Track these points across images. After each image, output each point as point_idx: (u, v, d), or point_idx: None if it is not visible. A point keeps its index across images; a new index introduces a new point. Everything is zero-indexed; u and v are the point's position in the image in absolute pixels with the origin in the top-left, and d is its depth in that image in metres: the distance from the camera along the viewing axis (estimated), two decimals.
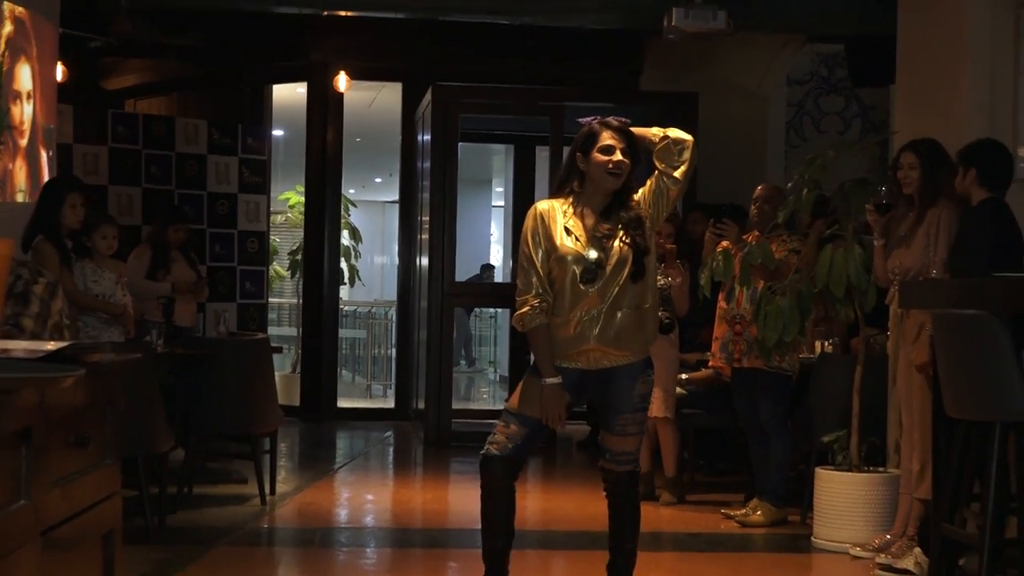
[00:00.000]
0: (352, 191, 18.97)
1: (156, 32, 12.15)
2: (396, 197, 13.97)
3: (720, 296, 7.59)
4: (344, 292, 16.51)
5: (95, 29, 11.92)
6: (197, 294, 9.39)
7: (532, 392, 4.77)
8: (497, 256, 21.75)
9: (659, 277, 8.01)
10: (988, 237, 5.68)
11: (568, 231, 4.72)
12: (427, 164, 11.72)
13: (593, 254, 4.68)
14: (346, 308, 17.32)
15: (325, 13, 11.08)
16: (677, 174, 4.76)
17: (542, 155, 13.05)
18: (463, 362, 20.62)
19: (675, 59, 11.87)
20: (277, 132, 14.42)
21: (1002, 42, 6.83)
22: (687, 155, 4.76)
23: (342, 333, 14.88)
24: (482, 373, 21.21)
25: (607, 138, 4.71)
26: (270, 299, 13.91)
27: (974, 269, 5.64)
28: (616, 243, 4.71)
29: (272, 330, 14.49)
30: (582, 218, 4.76)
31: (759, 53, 12.07)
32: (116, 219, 8.53)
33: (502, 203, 19.99)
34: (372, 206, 23.89)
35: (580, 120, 4.86)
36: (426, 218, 11.72)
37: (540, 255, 4.73)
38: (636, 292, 4.74)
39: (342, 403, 13.27)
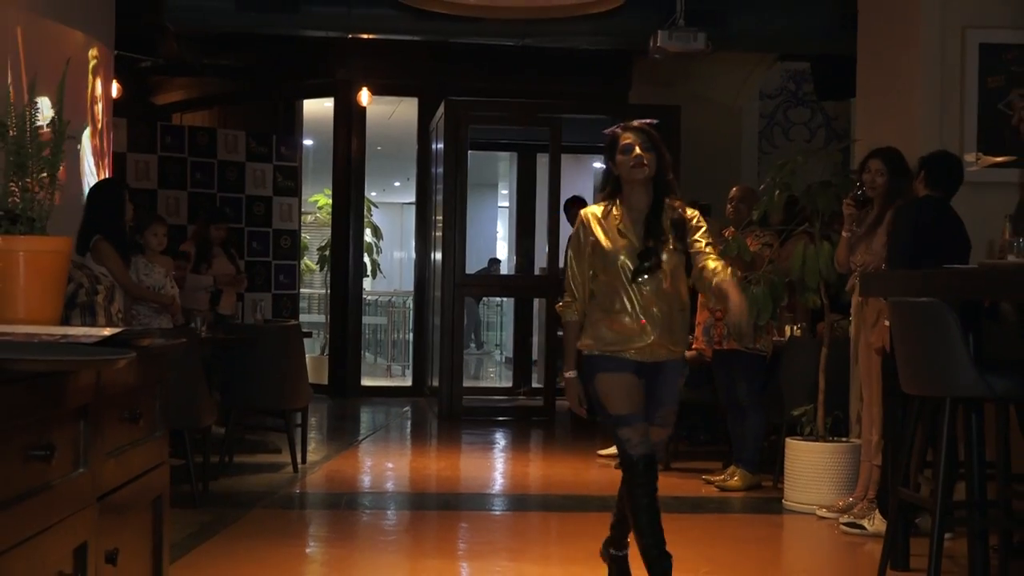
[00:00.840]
0: (374, 194, 18.95)
1: (199, 53, 12.13)
2: (413, 199, 13.95)
3: None
4: (367, 283, 16.49)
5: (146, 51, 11.90)
6: (236, 286, 9.40)
7: (612, 391, 4.46)
8: (503, 251, 21.72)
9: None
10: (912, 228, 5.67)
11: (619, 231, 4.44)
12: (440, 170, 11.70)
13: (640, 251, 4.40)
14: (369, 297, 17.31)
15: (350, 36, 11.07)
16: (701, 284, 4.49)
17: (542, 161, 13.02)
18: (472, 345, 20.61)
19: (660, 76, 11.84)
20: (307, 142, 14.39)
21: (951, 58, 6.80)
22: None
23: (365, 320, 14.86)
24: (489, 355, 21.19)
25: (626, 139, 4.46)
26: (301, 290, 13.90)
27: (898, 254, 5.65)
28: (667, 243, 4.43)
29: (303, 317, 14.49)
30: (630, 221, 4.46)
31: (735, 70, 12.04)
32: (167, 219, 8.53)
33: (507, 204, 19.95)
34: (391, 207, 23.87)
35: (605, 132, 4.62)
36: (439, 217, 11.70)
37: (582, 260, 4.49)
38: (681, 292, 4.49)
39: (365, 382, 13.26)
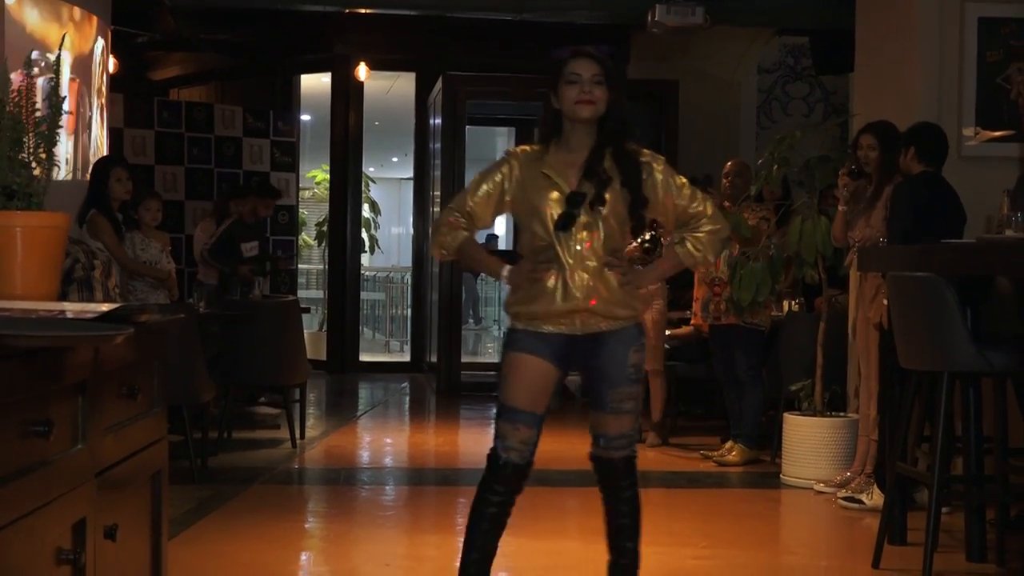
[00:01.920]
0: (371, 169, 18.91)
1: (197, 28, 12.10)
2: (411, 174, 13.93)
3: None
4: (365, 259, 16.48)
5: (143, 26, 11.89)
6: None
7: (517, 374, 3.71)
8: (500, 227, 21.71)
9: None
10: (913, 206, 5.68)
11: (545, 176, 3.67)
12: (438, 145, 11.68)
13: (573, 194, 3.63)
14: (367, 273, 17.31)
15: (347, 11, 11.04)
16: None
17: None
18: (471, 320, 20.62)
19: (658, 50, 11.81)
20: (304, 117, 14.36)
21: (949, 33, 6.78)
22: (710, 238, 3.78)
23: (363, 295, 14.86)
24: (487, 330, 21.20)
25: (574, 67, 3.68)
26: (299, 265, 13.89)
27: (897, 232, 5.66)
28: (608, 189, 3.64)
29: (301, 293, 14.48)
30: (564, 166, 3.69)
31: (733, 45, 12.01)
32: (161, 195, 8.53)
33: None
34: (389, 183, 23.83)
35: (552, 56, 3.82)
36: (437, 193, 11.69)
37: (482, 189, 3.78)
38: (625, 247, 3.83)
39: (364, 357, 13.27)
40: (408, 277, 15.04)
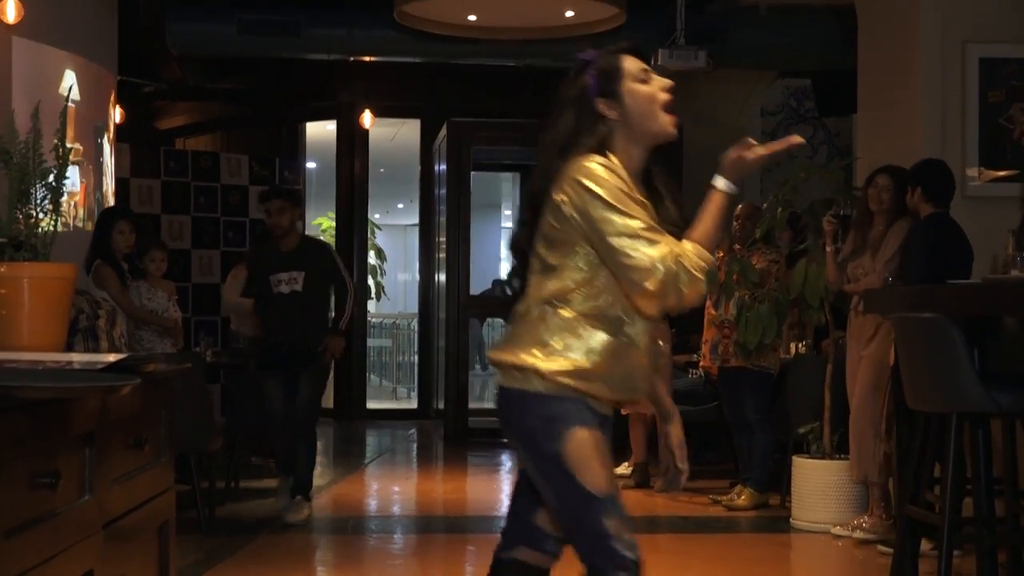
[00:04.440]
0: (377, 216, 18.95)
1: (202, 77, 12.18)
2: (416, 221, 13.97)
3: (708, 303, 7.58)
4: (371, 305, 16.50)
5: (149, 76, 11.96)
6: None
7: (601, 454, 2.82)
8: (506, 272, 21.75)
9: None
10: (927, 247, 5.71)
11: (642, 204, 2.82)
12: (443, 191, 11.72)
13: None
14: (373, 320, 17.31)
15: (352, 59, 11.12)
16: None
17: None
18: (478, 366, 20.58)
19: None
20: (310, 164, 14.42)
21: (951, 74, 6.82)
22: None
23: (370, 342, 14.86)
24: (494, 376, 21.18)
25: (635, 63, 2.92)
26: None
27: (915, 274, 5.67)
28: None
29: None
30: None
31: (736, 88, 12.07)
32: (167, 244, 8.55)
33: (510, 225, 19.97)
34: (395, 229, 23.88)
35: (580, 55, 3.02)
36: (443, 239, 11.72)
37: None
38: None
39: (371, 404, 13.26)
40: (415, 323, 15.04)
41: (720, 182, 2.92)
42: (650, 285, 2.70)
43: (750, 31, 9.94)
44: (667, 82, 2.90)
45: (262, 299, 7.16)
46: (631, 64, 2.92)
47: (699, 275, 2.72)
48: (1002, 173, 6.78)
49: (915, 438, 5.00)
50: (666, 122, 2.91)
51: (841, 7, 8.70)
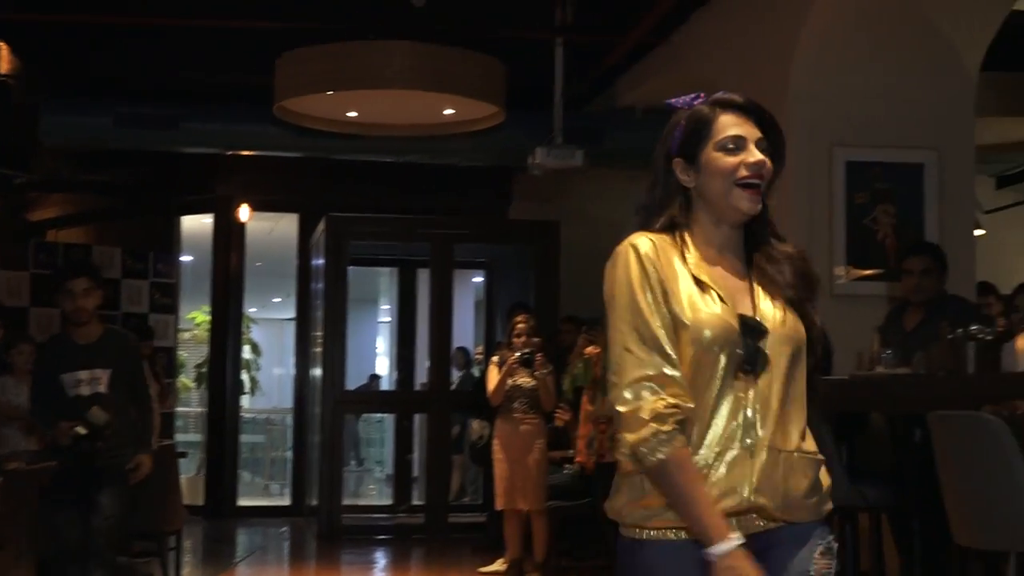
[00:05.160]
0: (253, 310, 18.80)
1: (77, 169, 12.02)
2: (293, 315, 13.84)
3: (585, 398, 7.62)
4: (245, 400, 16.25)
5: (20, 167, 11.76)
6: (160, 403, 9.39)
7: None
8: (383, 367, 21.62)
9: (527, 377, 8.08)
10: None
11: (702, 285, 2.39)
12: (320, 285, 11.66)
13: (749, 324, 2.38)
14: (247, 415, 17.04)
15: (229, 153, 11.06)
16: None
17: (423, 277, 13.06)
18: (353, 462, 20.35)
19: (540, 191, 12.01)
20: (186, 258, 14.25)
21: (819, 175, 7.02)
22: None
23: (243, 438, 14.61)
24: (370, 472, 20.96)
25: (730, 124, 2.44)
26: (177, 408, 13.66)
27: None
28: (776, 306, 2.43)
29: (179, 436, 14.18)
30: (716, 269, 2.45)
31: (612, 185, 12.26)
32: (35, 338, 8.37)
33: (388, 319, 19.91)
34: (271, 323, 23.63)
35: (673, 101, 2.55)
36: (319, 333, 11.63)
37: (661, 317, 2.37)
38: (803, 399, 2.44)
39: (242, 501, 12.99)
40: (289, 418, 14.83)
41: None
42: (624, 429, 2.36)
43: (626, 132, 10.12)
44: (758, 157, 2.43)
45: (46, 405, 5.87)
46: (725, 123, 2.45)
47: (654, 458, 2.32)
48: (867, 272, 6.97)
49: None
50: (738, 199, 2.44)
51: None
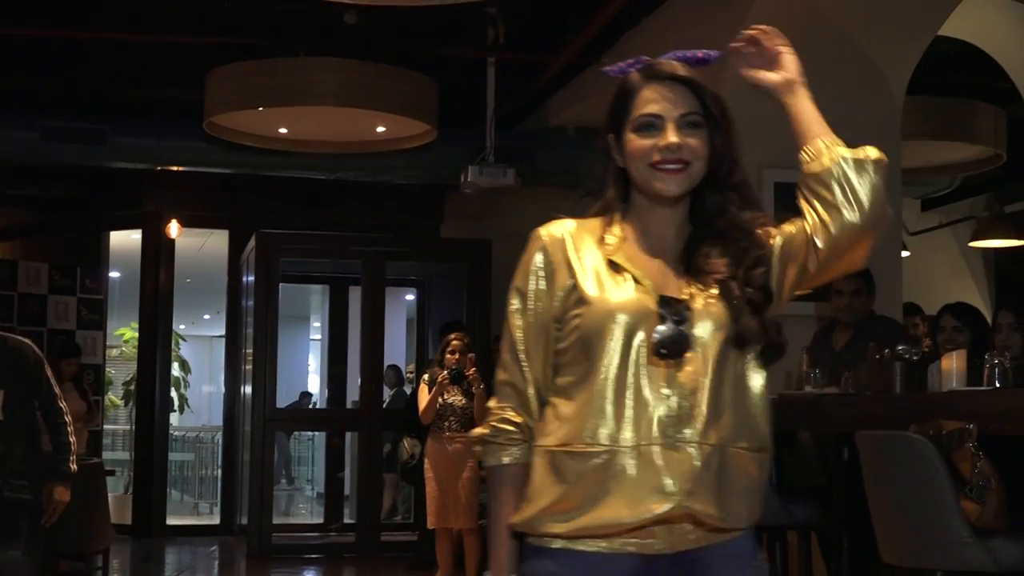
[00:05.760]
0: (182, 326, 18.59)
1: (2, 184, 11.84)
2: (223, 332, 13.72)
3: None
4: (174, 418, 16.07)
5: None
6: (88, 421, 9.26)
7: None
8: (315, 384, 21.50)
9: (458, 396, 8.06)
10: None
11: (616, 267, 2.20)
12: (251, 302, 11.56)
13: (672, 310, 2.14)
14: (176, 433, 16.86)
15: (159, 168, 10.95)
16: (836, 230, 2.26)
17: (355, 294, 13.00)
18: (283, 480, 20.20)
19: (471, 210, 12.01)
20: (114, 274, 14.08)
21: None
22: (868, 191, 2.23)
23: (172, 456, 14.44)
24: (301, 491, 20.81)
25: (649, 100, 2.22)
26: (105, 426, 13.48)
27: None
28: (709, 288, 2.20)
29: (107, 455, 14.02)
30: (644, 251, 2.24)
31: (545, 204, 12.27)
32: None
33: (319, 337, 19.80)
34: (201, 340, 23.43)
35: (607, 69, 2.32)
36: (250, 351, 11.53)
37: (539, 323, 2.25)
38: (753, 396, 2.20)
39: (171, 520, 12.83)
40: (219, 437, 14.69)
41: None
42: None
43: (558, 151, 10.16)
44: (671, 140, 2.20)
45: None
46: (645, 98, 2.23)
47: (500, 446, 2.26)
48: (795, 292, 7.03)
49: None
50: (658, 182, 2.22)
51: None
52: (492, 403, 2.32)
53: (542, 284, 2.26)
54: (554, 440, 2.17)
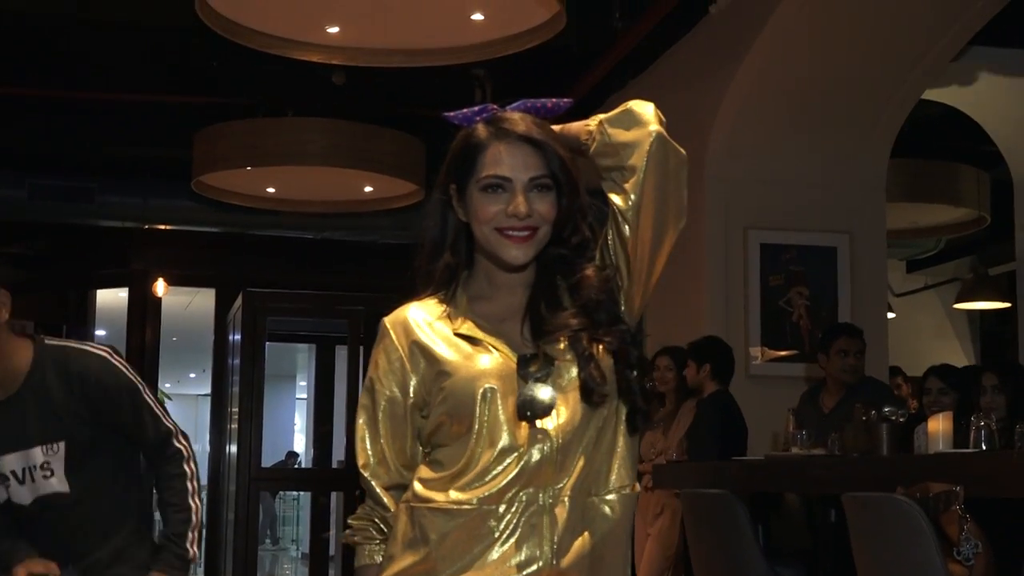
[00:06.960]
0: (168, 385, 18.53)
1: None
2: (208, 391, 13.67)
3: None
4: None
5: None
6: None
7: None
8: (300, 444, 21.40)
9: None
10: (718, 425, 5.86)
11: (471, 339, 2.10)
12: (237, 361, 11.50)
13: (531, 371, 2.06)
14: None
15: (146, 226, 10.95)
16: (630, 184, 2.11)
17: (341, 353, 12.96)
18: (268, 541, 20.05)
19: None
20: (100, 332, 14.03)
21: (734, 257, 7.09)
22: (644, 140, 2.11)
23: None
24: (285, 551, 20.64)
25: (498, 160, 2.10)
26: None
27: (706, 452, 5.79)
28: (562, 342, 2.09)
29: None
30: (490, 320, 2.14)
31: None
32: None
33: (305, 396, 19.77)
34: (186, 399, 23.36)
35: (450, 116, 2.23)
36: (235, 409, 11.45)
37: (390, 411, 2.16)
38: (625, 457, 2.12)
39: None
40: (204, 496, 14.60)
41: None
42: None
43: None
44: (519, 208, 2.08)
45: None
46: (493, 156, 2.11)
47: None
48: (782, 353, 7.03)
49: None
50: (504, 249, 2.12)
51: None
52: (359, 510, 2.30)
53: (395, 377, 2.17)
54: (419, 496, 2.12)
